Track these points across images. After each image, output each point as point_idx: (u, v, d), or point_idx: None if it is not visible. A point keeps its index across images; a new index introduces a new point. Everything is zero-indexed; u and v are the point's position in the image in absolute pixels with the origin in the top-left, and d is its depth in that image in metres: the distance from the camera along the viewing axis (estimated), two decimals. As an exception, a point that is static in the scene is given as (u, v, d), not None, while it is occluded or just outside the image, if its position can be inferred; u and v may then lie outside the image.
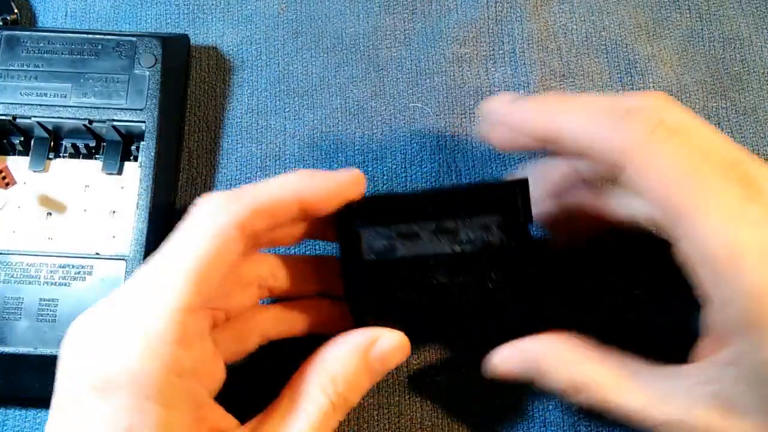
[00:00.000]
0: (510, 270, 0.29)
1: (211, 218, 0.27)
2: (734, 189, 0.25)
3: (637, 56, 0.41)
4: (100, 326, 0.26)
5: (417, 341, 0.33)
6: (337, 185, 0.29)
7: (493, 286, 0.29)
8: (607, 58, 0.41)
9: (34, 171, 0.37)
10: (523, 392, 0.36)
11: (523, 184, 0.29)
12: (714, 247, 0.24)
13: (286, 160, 0.39)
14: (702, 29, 0.42)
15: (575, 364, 0.29)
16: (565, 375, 0.29)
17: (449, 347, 0.37)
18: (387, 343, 0.30)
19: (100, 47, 0.37)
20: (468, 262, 0.29)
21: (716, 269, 0.24)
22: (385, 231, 0.30)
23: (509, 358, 0.31)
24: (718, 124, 0.40)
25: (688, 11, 0.42)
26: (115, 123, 0.36)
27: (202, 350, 0.27)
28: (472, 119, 0.40)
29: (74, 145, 0.37)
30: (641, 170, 0.26)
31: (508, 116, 0.30)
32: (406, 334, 0.30)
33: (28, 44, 0.37)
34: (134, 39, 0.37)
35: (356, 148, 0.40)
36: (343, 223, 0.30)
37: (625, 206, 0.29)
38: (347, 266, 0.30)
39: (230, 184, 0.39)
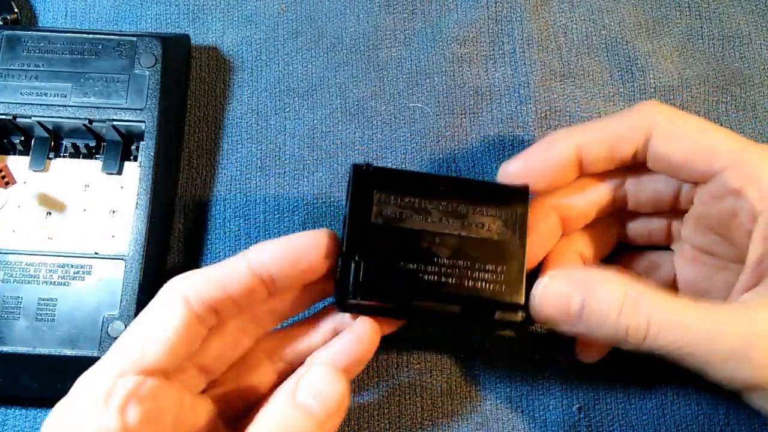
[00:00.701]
0: (508, 264, 0.30)
1: (159, 295, 0.29)
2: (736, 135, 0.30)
3: (637, 53, 0.41)
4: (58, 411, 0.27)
5: (399, 317, 0.32)
6: (290, 253, 0.29)
7: (489, 276, 0.30)
8: (607, 56, 0.41)
9: (34, 170, 0.37)
10: (524, 392, 0.36)
11: (527, 190, 0.32)
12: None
13: (285, 159, 0.39)
14: (701, 27, 0.42)
15: (628, 282, 0.29)
16: (620, 290, 0.28)
17: (449, 347, 0.37)
18: (314, 377, 0.27)
19: (100, 47, 0.37)
20: (471, 247, 0.30)
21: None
22: (397, 200, 0.30)
23: (556, 283, 0.30)
24: (718, 119, 0.40)
25: (687, 9, 0.42)
26: (115, 123, 0.36)
27: (162, 421, 0.27)
28: (472, 119, 0.40)
29: (74, 145, 0.37)
30: (669, 131, 0.30)
31: (529, 166, 0.32)
32: (391, 308, 0.30)
33: (28, 44, 0.37)
34: (134, 39, 0.37)
35: (356, 148, 0.40)
36: (358, 182, 0.30)
37: (641, 188, 0.33)
38: (354, 223, 0.30)
39: (230, 184, 0.39)
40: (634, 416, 0.36)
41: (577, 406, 0.36)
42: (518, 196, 0.31)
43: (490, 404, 0.36)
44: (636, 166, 0.32)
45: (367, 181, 0.30)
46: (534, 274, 0.32)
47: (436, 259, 0.30)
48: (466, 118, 0.40)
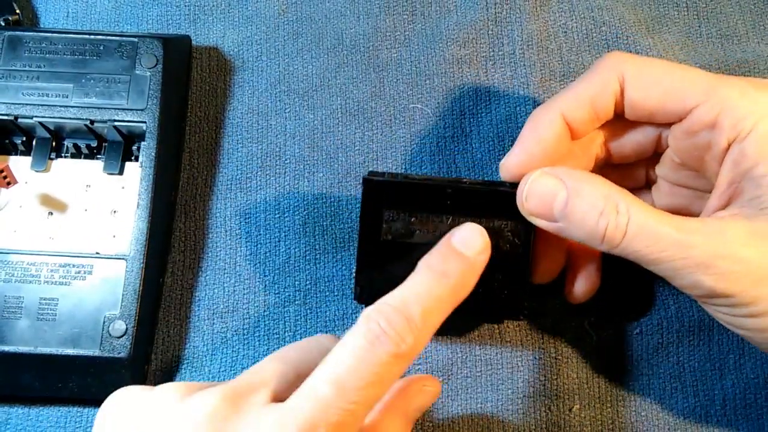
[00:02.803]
0: (514, 274, 0.32)
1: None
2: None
3: (638, 48, 0.41)
4: None
5: None
6: None
7: (497, 285, 0.32)
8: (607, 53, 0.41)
9: (36, 171, 0.37)
10: (524, 393, 0.36)
11: None
12: (734, 97, 0.29)
13: (286, 160, 0.39)
14: (700, 26, 0.42)
15: (613, 187, 0.30)
16: (604, 192, 0.29)
17: (449, 348, 0.37)
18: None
19: (101, 48, 0.37)
20: None
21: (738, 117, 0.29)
22: (405, 216, 0.31)
23: (544, 179, 0.30)
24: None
25: (686, 9, 0.42)
26: (116, 123, 0.36)
27: None
28: (471, 120, 0.40)
29: (76, 145, 0.37)
30: (640, 76, 0.31)
31: (530, 147, 0.32)
32: None
33: (30, 45, 0.37)
34: (135, 40, 0.38)
35: (356, 148, 0.40)
36: (367, 199, 0.31)
37: (623, 143, 0.34)
38: (365, 240, 0.31)
39: (231, 184, 0.39)
40: (634, 416, 0.36)
41: (577, 405, 0.36)
42: None
43: (491, 406, 0.36)
44: (615, 121, 0.33)
45: (376, 197, 0.31)
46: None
47: None
48: (466, 120, 0.40)
